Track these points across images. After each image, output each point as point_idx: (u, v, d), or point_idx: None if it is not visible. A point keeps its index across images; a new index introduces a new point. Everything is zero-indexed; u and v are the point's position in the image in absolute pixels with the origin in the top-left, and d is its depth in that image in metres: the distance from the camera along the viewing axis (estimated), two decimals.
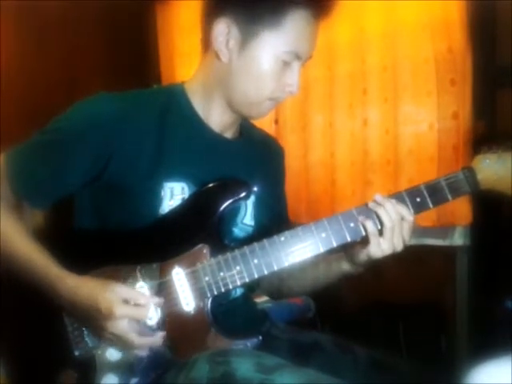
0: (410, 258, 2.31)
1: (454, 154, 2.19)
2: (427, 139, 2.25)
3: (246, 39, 1.10)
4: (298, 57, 1.12)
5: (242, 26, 1.10)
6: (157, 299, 1.04)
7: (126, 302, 1.00)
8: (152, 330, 1.04)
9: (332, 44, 2.40)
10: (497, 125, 2.16)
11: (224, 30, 1.11)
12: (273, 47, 1.10)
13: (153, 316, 1.02)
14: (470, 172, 1.10)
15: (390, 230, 1.07)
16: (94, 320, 1.01)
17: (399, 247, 1.09)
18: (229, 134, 1.24)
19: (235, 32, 1.10)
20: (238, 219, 1.23)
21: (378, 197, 1.09)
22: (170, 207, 1.12)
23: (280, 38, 1.09)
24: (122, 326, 0.99)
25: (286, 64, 1.11)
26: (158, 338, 1.03)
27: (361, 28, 2.33)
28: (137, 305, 1.01)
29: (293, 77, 1.13)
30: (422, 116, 2.25)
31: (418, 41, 2.22)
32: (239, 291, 1.24)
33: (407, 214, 1.08)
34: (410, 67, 2.24)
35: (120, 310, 0.98)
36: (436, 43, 2.19)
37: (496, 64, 2.16)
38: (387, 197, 1.09)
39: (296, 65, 1.13)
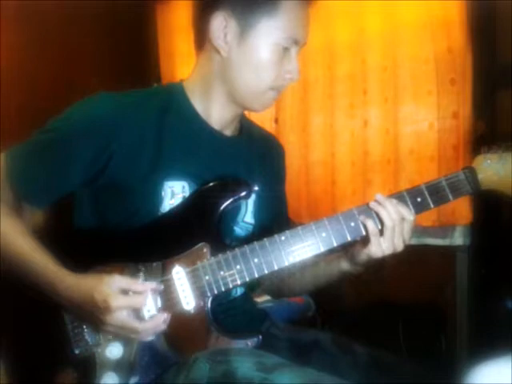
0: (410, 258, 2.31)
1: (454, 153, 2.19)
2: (427, 139, 2.25)
3: (244, 30, 1.11)
4: (295, 41, 1.13)
5: (239, 17, 1.11)
6: (154, 284, 1.03)
7: (122, 292, 1.00)
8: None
9: (332, 44, 2.40)
10: (497, 125, 2.16)
11: (221, 23, 1.12)
12: (271, 35, 1.11)
13: (150, 306, 1.02)
14: (470, 172, 1.10)
15: (391, 230, 1.07)
16: (93, 315, 1.01)
17: (400, 247, 1.09)
18: (229, 132, 1.24)
19: (233, 24, 1.11)
20: (239, 218, 1.23)
21: (379, 196, 1.09)
22: (171, 206, 1.12)
23: (277, 24, 1.11)
24: (121, 316, 0.99)
25: (285, 50, 1.13)
26: (161, 321, 1.02)
27: (361, 28, 2.33)
28: (133, 294, 1.00)
29: (292, 63, 1.15)
30: (422, 116, 2.25)
31: (418, 41, 2.22)
32: (239, 291, 1.24)
33: (408, 213, 1.08)
34: (410, 67, 2.24)
35: (116, 301, 0.98)
36: (436, 43, 2.19)
37: (496, 64, 2.16)
38: (388, 196, 1.09)
39: (294, 51, 1.14)
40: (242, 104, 1.19)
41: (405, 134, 2.28)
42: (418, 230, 2.23)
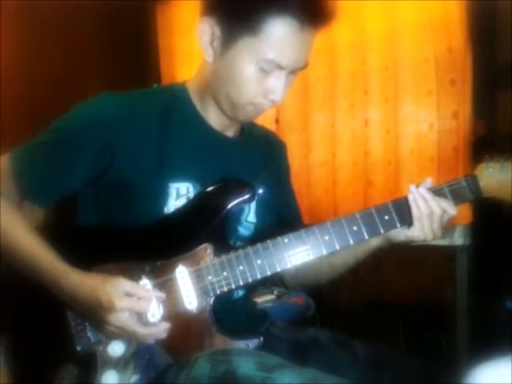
0: (410, 258, 2.32)
1: (454, 154, 2.19)
2: (427, 139, 2.25)
3: (227, 42, 1.08)
4: (278, 66, 1.07)
5: (223, 28, 1.08)
6: (158, 293, 1.04)
7: (127, 295, 1.00)
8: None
9: (333, 44, 2.40)
10: (497, 125, 2.16)
11: (208, 30, 1.10)
12: (252, 53, 1.06)
13: (155, 311, 1.02)
14: (472, 179, 1.11)
15: (430, 218, 1.09)
16: (95, 314, 1.01)
17: (439, 235, 1.12)
18: (230, 133, 1.24)
19: (218, 33, 1.09)
20: (243, 218, 1.24)
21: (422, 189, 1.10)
22: (176, 206, 1.12)
23: (259, 44, 1.05)
24: (123, 318, 0.99)
25: (265, 72, 1.08)
26: (162, 329, 1.02)
27: (361, 28, 2.33)
28: (138, 298, 1.01)
29: (276, 85, 1.10)
30: (422, 116, 2.25)
31: (418, 41, 2.21)
32: (240, 292, 1.24)
33: (450, 209, 1.10)
34: (410, 67, 2.24)
35: (121, 302, 0.99)
36: (436, 43, 2.19)
37: (496, 64, 2.16)
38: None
39: (280, 74, 1.09)
40: (224, 112, 1.17)
41: (405, 135, 2.27)
42: None
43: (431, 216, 1.09)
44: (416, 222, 1.10)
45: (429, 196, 1.09)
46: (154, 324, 1.03)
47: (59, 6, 2.49)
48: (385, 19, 2.29)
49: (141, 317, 1.02)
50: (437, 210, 1.09)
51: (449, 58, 2.17)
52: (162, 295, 1.05)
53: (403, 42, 2.25)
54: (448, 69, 2.18)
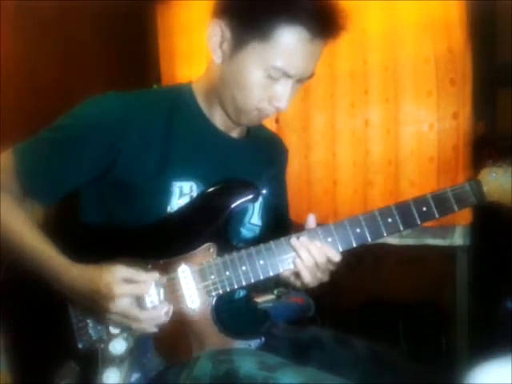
0: (410, 257, 2.32)
1: (454, 154, 2.19)
2: (427, 139, 2.25)
3: (236, 45, 1.08)
4: (286, 74, 1.08)
5: (234, 31, 1.08)
6: (156, 274, 1.03)
7: (125, 281, 1.00)
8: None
9: (333, 44, 2.40)
10: (497, 125, 2.17)
11: (218, 31, 1.09)
12: (260, 59, 1.06)
13: (153, 294, 1.02)
14: (476, 184, 1.10)
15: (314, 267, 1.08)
16: (96, 304, 1.01)
17: (326, 278, 1.12)
18: (235, 133, 1.25)
19: (228, 36, 1.09)
20: (246, 219, 1.24)
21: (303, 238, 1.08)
22: (179, 205, 1.12)
23: (269, 51, 1.05)
24: (123, 304, 0.99)
25: (272, 79, 1.08)
26: (163, 312, 1.02)
27: (362, 28, 2.33)
28: (137, 283, 1.01)
29: (282, 92, 1.10)
30: (422, 116, 2.25)
31: (418, 41, 2.22)
32: (242, 291, 1.24)
33: (334, 256, 1.08)
34: (410, 67, 2.24)
35: (119, 288, 0.98)
36: (436, 43, 2.20)
37: (496, 63, 2.17)
38: (393, 205, 1.09)
39: (287, 82, 1.09)
40: (229, 115, 1.17)
41: (405, 135, 2.28)
42: (418, 229, 2.23)
43: (316, 266, 1.08)
44: (301, 272, 1.08)
45: (311, 245, 1.07)
46: (155, 308, 1.02)
47: (59, 6, 2.49)
48: (385, 19, 2.30)
49: (141, 302, 1.01)
50: (321, 260, 1.07)
51: (449, 58, 2.18)
52: (162, 278, 1.04)
53: (403, 41, 2.26)
54: (448, 69, 2.18)
